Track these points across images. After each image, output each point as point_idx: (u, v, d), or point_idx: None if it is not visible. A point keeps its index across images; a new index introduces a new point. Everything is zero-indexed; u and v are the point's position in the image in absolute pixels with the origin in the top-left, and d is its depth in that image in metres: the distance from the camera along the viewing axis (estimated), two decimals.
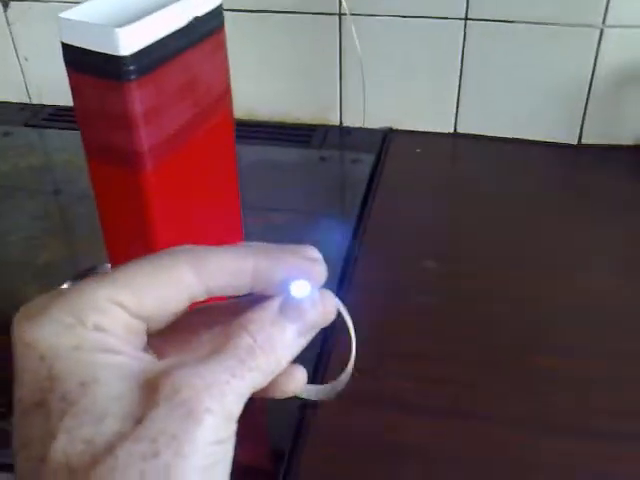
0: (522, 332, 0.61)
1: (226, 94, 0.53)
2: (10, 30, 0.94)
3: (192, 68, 0.48)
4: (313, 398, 0.30)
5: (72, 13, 0.44)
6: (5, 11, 0.92)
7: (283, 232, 0.74)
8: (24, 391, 0.23)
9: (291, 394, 0.28)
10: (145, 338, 0.25)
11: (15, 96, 1.00)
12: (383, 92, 0.89)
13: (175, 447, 0.21)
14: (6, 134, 0.95)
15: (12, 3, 0.91)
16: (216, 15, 0.49)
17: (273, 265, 0.26)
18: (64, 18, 0.44)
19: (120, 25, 0.42)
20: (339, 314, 0.28)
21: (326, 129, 0.93)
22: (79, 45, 0.43)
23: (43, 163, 0.92)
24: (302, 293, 0.26)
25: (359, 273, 0.68)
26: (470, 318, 0.63)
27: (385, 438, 0.52)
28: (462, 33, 0.82)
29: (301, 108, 0.94)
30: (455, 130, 0.90)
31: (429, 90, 0.87)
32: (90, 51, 0.43)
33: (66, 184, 0.87)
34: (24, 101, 1.01)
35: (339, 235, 0.76)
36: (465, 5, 0.80)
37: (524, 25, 0.80)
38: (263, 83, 0.91)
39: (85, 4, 0.46)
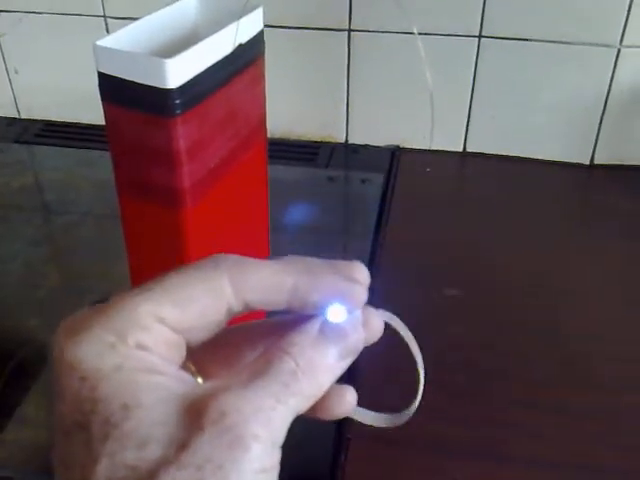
0: (552, 367, 0.59)
1: (263, 122, 0.50)
2: None
3: (234, 99, 0.45)
4: (367, 423, 0.29)
5: (108, 41, 0.41)
6: None
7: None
8: (65, 408, 0.22)
9: (340, 417, 0.27)
10: (184, 353, 0.25)
11: (3, 110, 0.96)
12: (391, 109, 0.87)
13: (221, 476, 0.20)
14: None
15: (2, 14, 0.87)
16: (258, 42, 0.46)
17: (311, 285, 0.25)
18: (102, 46, 0.40)
19: (163, 55, 0.39)
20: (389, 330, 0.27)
21: (332, 147, 0.91)
22: (118, 75, 0.40)
23: (37, 183, 0.88)
24: (338, 318, 0.25)
25: (378, 300, 0.66)
26: (500, 350, 0.61)
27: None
28: (475, 50, 0.81)
29: (305, 124, 0.91)
30: (464, 149, 0.88)
31: (439, 108, 0.85)
32: (131, 82, 0.40)
33: (63, 205, 0.83)
34: (12, 115, 0.96)
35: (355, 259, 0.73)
36: (480, 22, 0.79)
37: (539, 43, 0.78)
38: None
39: (120, 31, 0.42)
